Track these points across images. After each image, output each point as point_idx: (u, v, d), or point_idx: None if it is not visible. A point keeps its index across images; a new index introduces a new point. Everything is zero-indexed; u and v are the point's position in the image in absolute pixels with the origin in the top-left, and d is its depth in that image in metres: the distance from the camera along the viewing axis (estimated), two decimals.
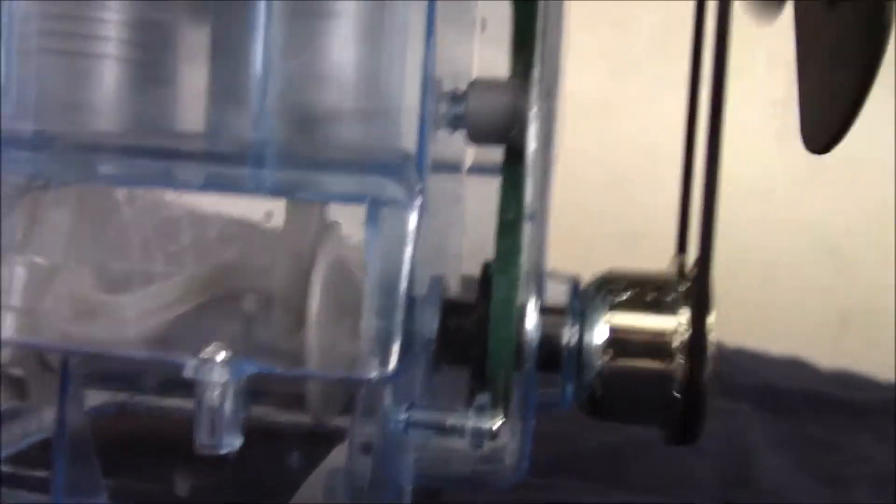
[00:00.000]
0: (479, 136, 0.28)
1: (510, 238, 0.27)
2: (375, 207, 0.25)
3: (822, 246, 0.86)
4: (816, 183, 0.85)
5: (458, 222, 0.32)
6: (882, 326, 0.84)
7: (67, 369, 0.25)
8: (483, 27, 0.33)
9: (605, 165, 0.85)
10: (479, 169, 0.32)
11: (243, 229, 0.31)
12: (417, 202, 0.25)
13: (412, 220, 0.25)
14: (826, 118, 0.26)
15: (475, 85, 0.28)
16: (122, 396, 0.36)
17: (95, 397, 0.36)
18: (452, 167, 0.32)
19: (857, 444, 0.58)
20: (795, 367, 0.77)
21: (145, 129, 0.29)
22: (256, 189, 0.26)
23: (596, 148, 0.83)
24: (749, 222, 0.84)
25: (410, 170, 0.25)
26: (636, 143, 0.84)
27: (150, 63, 0.29)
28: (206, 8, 0.29)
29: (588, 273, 0.30)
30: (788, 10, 0.32)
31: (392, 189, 0.25)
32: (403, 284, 0.24)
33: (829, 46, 0.26)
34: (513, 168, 0.28)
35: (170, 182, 0.27)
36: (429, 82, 0.25)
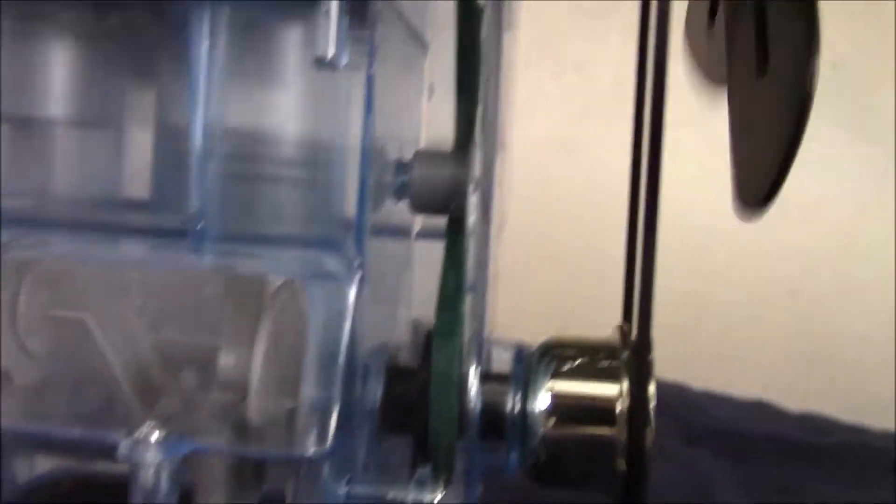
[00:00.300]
0: (421, 206, 0.29)
1: (450, 310, 0.27)
2: (314, 283, 0.25)
3: (783, 288, 0.86)
4: (775, 225, 0.86)
5: (406, 287, 0.32)
6: (847, 368, 0.84)
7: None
8: (431, 93, 0.33)
9: (566, 203, 0.86)
10: (428, 234, 0.32)
11: (183, 299, 0.31)
12: (356, 277, 0.25)
13: (351, 294, 0.25)
14: (757, 181, 0.26)
15: (418, 155, 0.29)
16: (69, 462, 0.36)
17: (45, 463, 0.36)
18: (401, 232, 0.32)
19: (820, 488, 0.58)
20: (762, 410, 0.77)
21: (94, 199, 0.29)
22: (196, 264, 0.26)
23: (558, 186, 0.84)
24: (711, 265, 0.85)
25: (350, 244, 0.26)
26: (597, 182, 0.85)
27: (99, 129, 0.29)
28: (152, 75, 0.29)
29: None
30: None
31: (331, 264, 0.25)
32: (342, 358, 0.24)
33: (758, 114, 0.27)
34: (454, 239, 0.28)
35: (114, 257, 0.27)
36: (367, 159, 0.25)
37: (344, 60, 0.25)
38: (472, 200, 0.27)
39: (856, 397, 0.81)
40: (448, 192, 0.28)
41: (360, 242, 0.25)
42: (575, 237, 0.84)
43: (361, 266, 0.25)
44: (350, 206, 0.27)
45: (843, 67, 0.86)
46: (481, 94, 0.29)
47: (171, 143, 0.28)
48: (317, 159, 0.28)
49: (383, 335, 0.30)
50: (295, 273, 0.26)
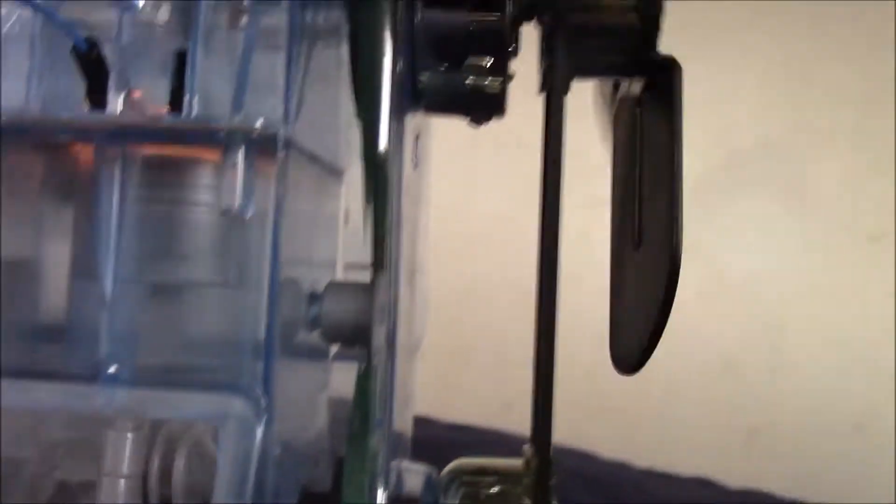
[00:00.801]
0: (332, 338, 0.29)
1: (360, 436, 0.28)
2: (223, 426, 0.26)
3: (719, 361, 0.88)
4: (711, 299, 0.88)
5: (322, 406, 0.33)
6: (785, 441, 0.86)
7: None
8: (347, 220, 0.34)
9: (507, 284, 0.87)
10: (345, 356, 0.33)
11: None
12: (263, 419, 0.26)
13: (258, 434, 0.26)
14: (633, 343, 0.28)
15: (330, 287, 0.30)
16: None
17: None
18: (319, 355, 0.33)
19: None
20: (704, 487, 0.78)
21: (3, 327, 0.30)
22: (107, 407, 0.27)
23: (499, 264, 0.85)
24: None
25: (258, 387, 0.26)
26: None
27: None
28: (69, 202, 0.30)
29: None
30: None
31: (239, 406, 0.26)
32: (248, 496, 0.25)
33: (634, 282, 0.29)
34: (365, 366, 0.29)
35: (27, 401, 0.28)
36: (273, 307, 0.26)
37: (250, 210, 0.26)
38: (379, 334, 0.28)
39: (795, 471, 0.83)
40: (358, 325, 0.29)
41: (267, 385, 0.26)
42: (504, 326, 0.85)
43: (269, 408, 0.26)
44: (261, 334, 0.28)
45: (775, 145, 0.89)
46: (390, 219, 0.30)
47: (84, 281, 0.29)
48: (228, 295, 0.28)
49: (298, 455, 0.30)
50: (203, 415, 0.26)
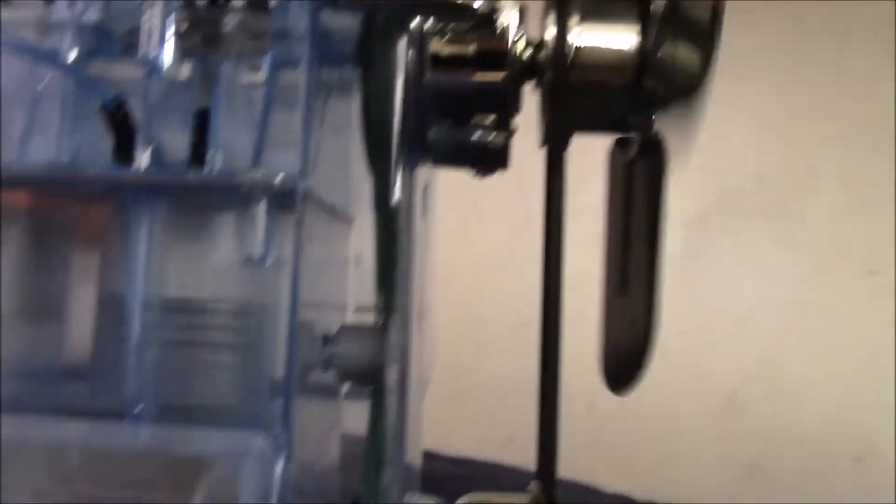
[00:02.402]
0: (346, 377, 0.31)
1: (375, 473, 0.29)
2: (243, 462, 0.27)
3: (719, 395, 0.89)
4: (711, 332, 0.89)
5: (334, 449, 0.35)
6: (784, 474, 0.86)
7: None
8: (357, 264, 0.36)
9: (507, 319, 0.88)
10: (354, 395, 0.35)
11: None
12: (282, 455, 0.27)
13: (278, 471, 0.27)
14: (618, 373, 0.30)
15: (343, 330, 0.31)
16: None
17: None
18: (330, 394, 0.35)
19: None
20: None
21: (33, 366, 0.31)
22: (132, 444, 0.28)
23: (499, 299, 0.86)
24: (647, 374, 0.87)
25: (278, 424, 0.28)
26: (538, 298, 0.87)
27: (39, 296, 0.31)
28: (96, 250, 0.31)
29: None
30: None
31: (259, 443, 0.27)
32: None
33: (619, 322, 0.31)
34: (377, 406, 0.31)
35: (54, 438, 0.29)
36: (293, 348, 0.28)
37: (270, 259, 0.28)
38: (392, 373, 0.30)
39: (796, 502, 0.83)
40: (372, 365, 0.31)
41: (286, 422, 0.28)
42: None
43: (288, 444, 0.28)
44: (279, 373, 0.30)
45: (768, 182, 0.91)
46: (400, 263, 0.31)
47: (110, 321, 0.30)
48: (248, 337, 0.30)
49: (310, 494, 0.32)
50: (224, 452, 0.28)
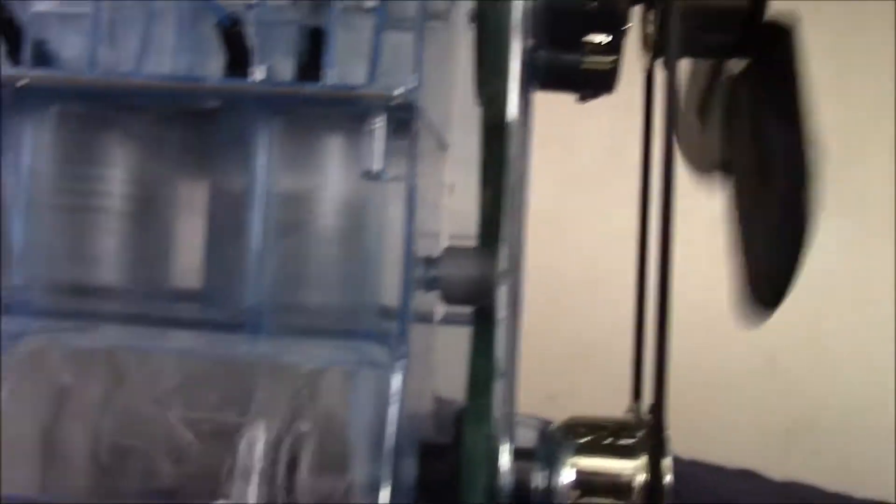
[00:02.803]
0: (451, 299, 0.31)
1: (482, 397, 0.30)
2: (357, 373, 0.28)
3: (760, 357, 0.89)
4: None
5: (429, 370, 0.35)
6: (825, 437, 0.87)
7: None
8: (451, 191, 0.36)
9: (551, 279, 0.88)
10: (450, 320, 0.35)
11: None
12: (401, 364, 0.28)
13: (396, 380, 0.28)
14: (762, 290, 0.29)
15: (448, 252, 0.31)
16: None
17: None
18: (426, 319, 0.35)
19: None
20: (748, 478, 0.79)
21: (143, 286, 0.32)
22: (248, 355, 0.29)
23: (542, 259, 0.86)
24: (689, 337, 0.87)
25: (393, 335, 0.28)
26: (583, 257, 0.88)
27: (150, 217, 0.32)
28: (206, 170, 0.32)
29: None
30: None
31: (376, 353, 0.28)
32: (391, 441, 0.27)
33: (761, 228, 0.30)
34: (483, 329, 0.31)
35: (166, 348, 0.30)
36: (409, 259, 0.28)
37: (388, 174, 0.28)
38: (502, 293, 0.30)
39: (835, 466, 0.83)
40: (476, 286, 0.31)
41: (403, 333, 0.28)
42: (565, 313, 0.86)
43: (405, 355, 0.28)
44: (387, 294, 0.30)
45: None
46: (507, 189, 0.32)
47: (222, 238, 0.31)
48: (358, 253, 0.30)
49: (413, 409, 0.32)
50: (340, 362, 0.28)
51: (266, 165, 0.29)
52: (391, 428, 0.27)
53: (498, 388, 0.29)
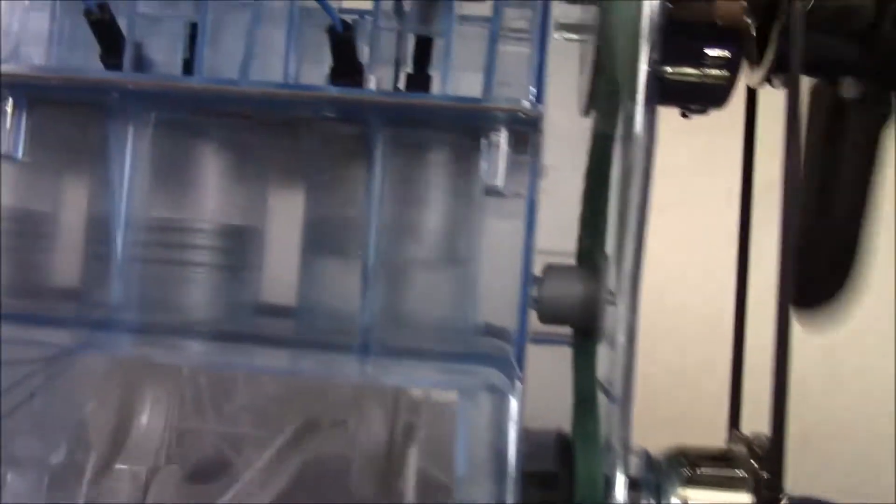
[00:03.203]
0: (550, 319, 0.30)
1: (588, 415, 0.29)
2: (470, 395, 0.27)
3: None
4: (766, 305, 0.89)
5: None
6: (840, 448, 0.87)
7: None
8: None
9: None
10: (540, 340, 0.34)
11: (307, 392, 0.32)
12: (519, 389, 0.27)
13: (514, 406, 0.27)
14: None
15: (549, 271, 0.30)
16: None
17: None
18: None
19: None
20: None
21: (234, 301, 0.30)
22: (357, 376, 0.27)
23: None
24: (701, 343, 0.87)
25: (510, 360, 0.27)
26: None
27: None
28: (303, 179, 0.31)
29: None
30: None
31: (496, 378, 0.27)
32: (511, 467, 0.26)
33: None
34: (585, 349, 0.30)
35: (260, 368, 0.29)
36: (527, 277, 0.27)
37: (509, 189, 0.27)
38: (616, 314, 0.29)
39: (849, 479, 0.83)
40: (578, 307, 0.30)
41: (520, 355, 0.27)
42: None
43: (521, 379, 0.27)
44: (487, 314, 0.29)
45: None
46: (606, 208, 0.31)
47: (321, 256, 0.30)
48: (463, 272, 0.29)
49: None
50: (446, 384, 0.27)
51: (379, 179, 0.28)
52: (511, 452, 0.26)
53: (612, 413, 0.28)
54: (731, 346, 0.37)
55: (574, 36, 0.33)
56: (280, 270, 0.31)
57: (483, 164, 0.27)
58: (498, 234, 0.30)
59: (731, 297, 0.36)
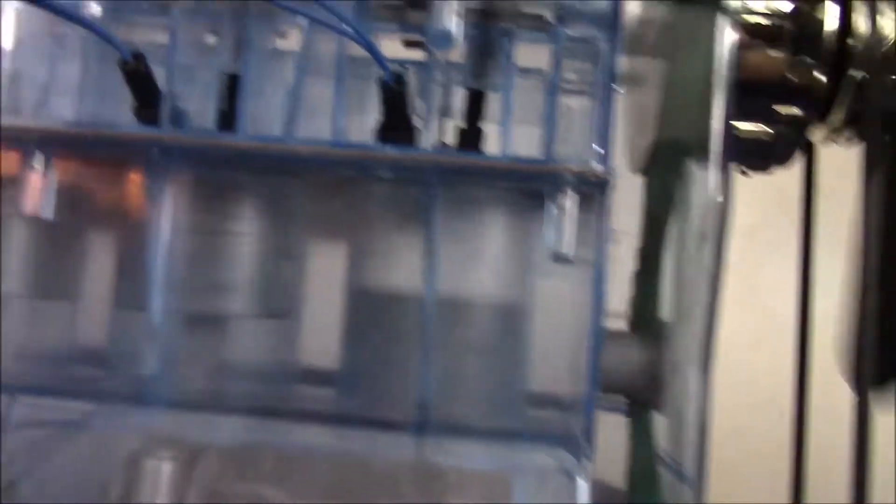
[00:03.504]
0: (604, 388, 0.28)
1: (647, 493, 0.27)
2: (524, 479, 0.25)
3: (773, 407, 0.87)
4: (764, 344, 0.88)
5: None
6: (841, 488, 0.85)
7: None
8: None
9: None
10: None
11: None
12: (588, 469, 0.25)
13: (583, 488, 0.25)
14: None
15: (609, 336, 0.29)
16: None
17: None
18: None
19: None
20: None
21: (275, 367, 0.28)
22: (413, 455, 0.26)
23: None
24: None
25: (573, 436, 0.25)
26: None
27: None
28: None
29: None
30: None
31: (565, 458, 0.25)
32: None
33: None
34: (641, 418, 0.28)
35: (298, 447, 0.27)
36: (596, 349, 0.25)
37: (578, 254, 0.25)
38: (674, 386, 0.27)
39: None
40: (636, 375, 0.28)
41: (589, 434, 0.25)
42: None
43: (590, 458, 0.25)
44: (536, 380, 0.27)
45: (833, 195, 0.90)
46: (662, 271, 0.29)
47: (368, 317, 0.28)
48: (515, 338, 0.28)
49: None
50: (525, 468, 0.25)
51: (436, 244, 0.26)
52: None
53: (680, 492, 0.27)
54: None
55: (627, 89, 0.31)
56: (319, 334, 0.29)
57: (549, 230, 0.25)
58: (548, 294, 0.28)
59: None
